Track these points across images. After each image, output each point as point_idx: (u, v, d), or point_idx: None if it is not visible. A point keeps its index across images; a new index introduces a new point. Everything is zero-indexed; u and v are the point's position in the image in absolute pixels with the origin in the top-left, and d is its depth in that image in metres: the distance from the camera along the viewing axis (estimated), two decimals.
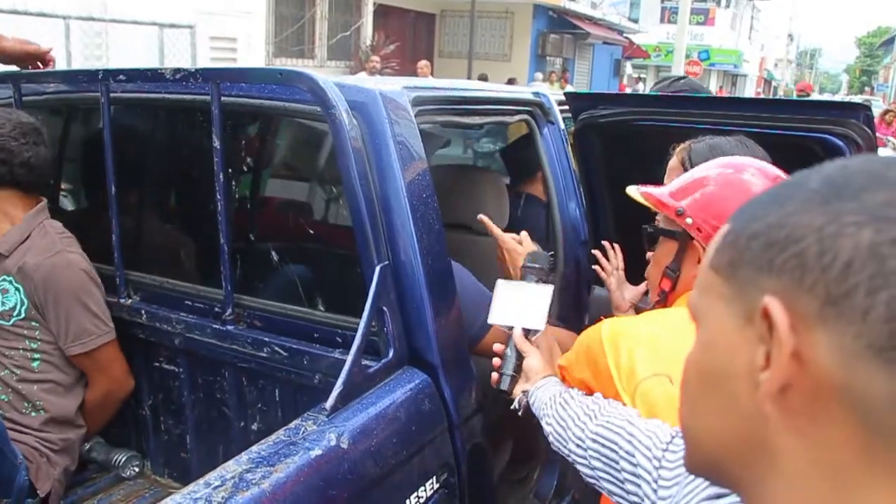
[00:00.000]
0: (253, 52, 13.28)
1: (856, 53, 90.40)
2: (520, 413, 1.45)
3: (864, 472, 0.47)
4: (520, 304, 1.53)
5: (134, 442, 2.30)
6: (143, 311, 2.09)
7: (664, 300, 1.41)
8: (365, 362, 1.55)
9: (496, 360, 1.51)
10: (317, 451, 1.32)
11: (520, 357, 1.48)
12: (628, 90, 24.52)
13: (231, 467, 1.26)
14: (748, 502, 0.56)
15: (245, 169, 1.97)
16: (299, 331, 1.85)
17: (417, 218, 1.68)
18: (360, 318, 1.69)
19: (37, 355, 2.03)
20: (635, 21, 26.69)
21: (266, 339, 1.84)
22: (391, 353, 1.62)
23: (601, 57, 26.55)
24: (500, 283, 1.58)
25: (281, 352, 1.82)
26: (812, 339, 0.47)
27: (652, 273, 1.45)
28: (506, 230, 2.04)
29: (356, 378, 1.50)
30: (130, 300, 2.12)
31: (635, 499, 1.09)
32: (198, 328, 1.97)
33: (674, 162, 1.79)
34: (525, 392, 1.44)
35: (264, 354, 1.85)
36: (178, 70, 1.81)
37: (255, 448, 1.32)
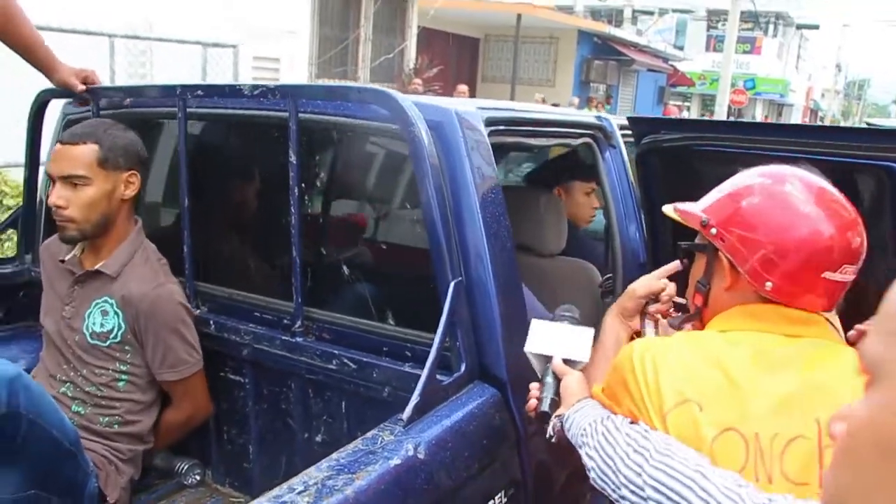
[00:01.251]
0: (295, 72, 13.52)
1: None
2: (553, 440, 1.39)
3: None
4: (559, 338, 1.51)
5: (195, 450, 2.35)
6: (211, 322, 2.15)
7: (698, 317, 1.39)
8: (438, 376, 1.59)
9: (533, 389, 1.48)
10: (395, 461, 1.35)
11: (558, 382, 1.45)
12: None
13: (313, 474, 1.30)
14: None
15: (318, 184, 2.04)
16: (368, 344, 1.90)
17: (491, 235, 1.73)
18: (430, 332, 1.74)
19: (124, 377, 2.10)
20: (681, 48, 26.66)
21: (335, 351, 1.89)
22: (463, 368, 1.66)
23: (645, 84, 26.55)
24: (536, 322, 1.56)
25: (350, 364, 1.87)
26: None
27: (689, 290, 1.44)
28: None
29: (430, 391, 1.54)
30: (198, 311, 2.19)
31: None
32: (266, 339, 2.03)
33: None
34: (559, 416, 1.36)
35: (333, 366, 1.90)
36: (256, 86, 1.89)
37: (334, 456, 1.36)
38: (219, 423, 2.30)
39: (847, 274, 1.22)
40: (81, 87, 2.28)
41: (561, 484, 1.89)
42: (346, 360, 1.88)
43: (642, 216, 2.70)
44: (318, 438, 2.07)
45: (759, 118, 35.14)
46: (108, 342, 2.09)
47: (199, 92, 2.01)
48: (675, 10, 28.54)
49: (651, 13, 26.58)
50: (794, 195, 1.23)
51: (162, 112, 2.28)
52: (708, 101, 31.81)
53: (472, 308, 1.71)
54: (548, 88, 20.52)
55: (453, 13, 18.31)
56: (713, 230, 1.29)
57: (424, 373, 1.51)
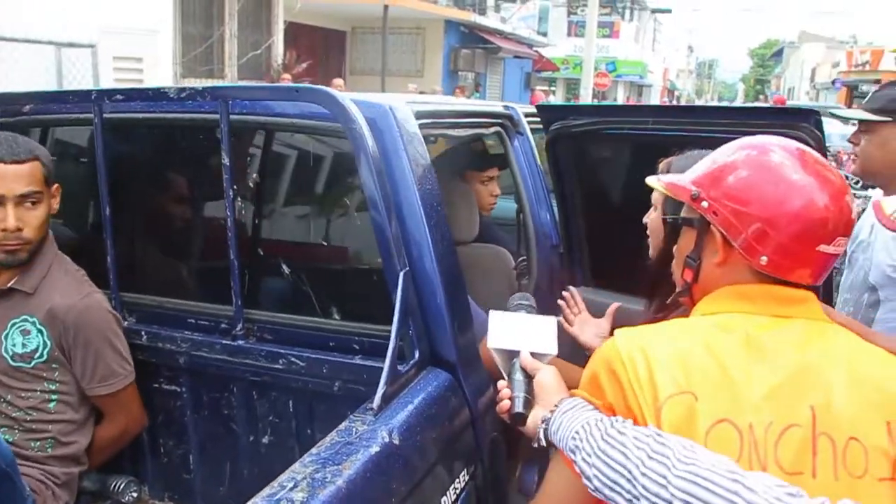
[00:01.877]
0: (160, 72, 13.05)
1: (749, 64, 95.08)
2: (537, 445, 1.28)
3: None
4: (522, 331, 1.46)
5: (129, 467, 2.30)
6: (143, 333, 2.11)
7: (688, 292, 1.32)
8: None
9: (502, 388, 1.39)
10: (375, 448, 1.40)
11: (529, 378, 1.36)
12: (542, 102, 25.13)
13: (298, 469, 1.33)
14: None
15: (251, 185, 2.04)
16: (313, 341, 1.93)
17: (432, 225, 1.79)
18: (376, 324, 1.80)
19: (54, 396, 2.03)
20: (544, 34, 27.41)
21: (282, 350, 1.91)
22: (417, 355, 1.72)
23: (512, 70, 27.15)
24: (495, 313, 1.51)
25: (298, 362, 1.89)
26: None
27: (675, 266, 1.38)
28: None
29: (393, 379, 1.59)
30: (127, 322, 2.14)
31: None
32: (206, 345, 2.02)
33: None
34: (545, 420, 1.25)
35: (280, 366, 1.92)
36: (183, 89, 1.87)
37: (314, 450, 1.40)
38: (154, 436, 2.26)
39: (839, 246, 1.19)
40: None
41: (515, 453, 1.98)
42: (293, 359, 1.90)
43: (553, 200, 2.84)
44: (265, 440, 2.08)
45: (621, 100, 36.67)
46: (32, 362, 2.01)
47: (119, 97, 1.96)
48: None
49: (513, 1, 27.18)
50: (785, 164, 1.20)
51: (70, 118, 2.20)
52: (572, 85, 32.88)
53: (419, 296, 1.77)
54: (417, 79, 20.63)
55: (319, 6, 18.14)
56: (704, 203, 1.24)
57: (387, 362, 1.56)
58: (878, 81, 28.89)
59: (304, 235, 2.13)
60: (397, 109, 1.84)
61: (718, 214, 1.23)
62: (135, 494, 2.26)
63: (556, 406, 1.24)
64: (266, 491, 1.27)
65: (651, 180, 1.44)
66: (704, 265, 1.29)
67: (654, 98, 45.31)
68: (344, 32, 21.40)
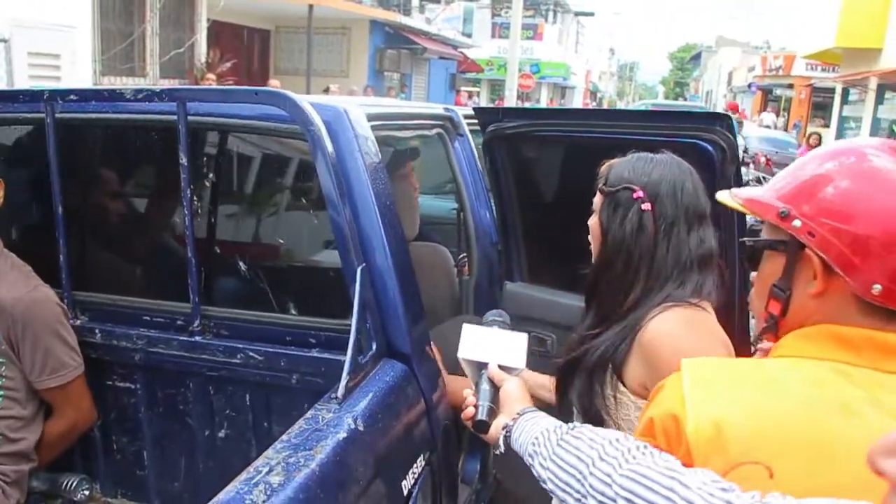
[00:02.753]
0: (78, 69, 12.72)
1: (669, 67, 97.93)
2: (499, 452, 1.32)
3: None
4: (493, 344, 1.48)
5: (80, 465, 2.33)
6: (97, 331, 2.15)
7: (774, 328, 1.12)
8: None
9: (469, 397, 1.42)
10: (342, 434, 1.50)
11: (495, 388, 1.40)
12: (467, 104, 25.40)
13: (271, 455, 1.41)
14: None
15: (207, 184, 2.10)
16: (270, 336, 2.00)
17: (386, 223, 1.89)
18: (332, 318, 1.89)
19: (0, 392, 2.04)
20: (469, 36, 27.70)
21: (239, 345, 1.98)
22: (374, 347, 1.81)
23: (437, 71, 27.33)
24: (468, 326, 1.53)
25: (256, 356, 1.97)
26: None
27: (755, 297, 1.17)
28: None
29: (354, 370, 1.68)
30: (79, 320, 2.17)
31: None
32: (162, 342, 2.07)
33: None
34: (506, 427, 1.27)
35: (237, 360, 1.99)
36: (140, 90, 1.92)
37: (283, 437, 1.48)
38: (106, 433, 2.29)
39: None
40: None
41: (465, 435, 2.09)
42: (251, 353, 1.97)
43: (492, 199, 2.97)
44: (221, 434, 2.14)
45: (544, 101, 37.31)
46: None
47: (73, 97, 2.00)
48: None
49: (438, 1, 27.39)
50: (893, 169, 1.02)
51: (18, 118, 2.22)
52: (497, 87, 33.32)
53: (375, 291, 1.86)
54: (342, 79, 20.60)
55: (243, 5, 17.95)
56: (796, 222, 1.05)
57: (349, 353, 1.65)
58: (791, 86, 30.25)
59: (260, 234, 2.20)
60: (351, 112, 1.93)
61: (815, 235, 1.04)
62: (86, 493, 2.29)
63: (518, 414, 1.26)
64: (243, 476, 1.35)
65: (723, 196, 1.23)
66: (796, 296, 1.09)
67: (577, 99, 46.24)
68: (268, 31, 21.22)
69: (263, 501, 1.25)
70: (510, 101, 20.95)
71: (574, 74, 43.06)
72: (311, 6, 18.38)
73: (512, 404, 1.32)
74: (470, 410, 1.39)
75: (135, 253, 2.32)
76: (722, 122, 2.37)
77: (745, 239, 1.23)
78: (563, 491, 1.07)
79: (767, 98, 32.88)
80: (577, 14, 41.23)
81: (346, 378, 1.63)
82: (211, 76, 15.14)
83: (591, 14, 43.08)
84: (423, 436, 1.85)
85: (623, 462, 0.99)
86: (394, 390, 1.77)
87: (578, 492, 1.03)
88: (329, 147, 1.77)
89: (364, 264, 1.82)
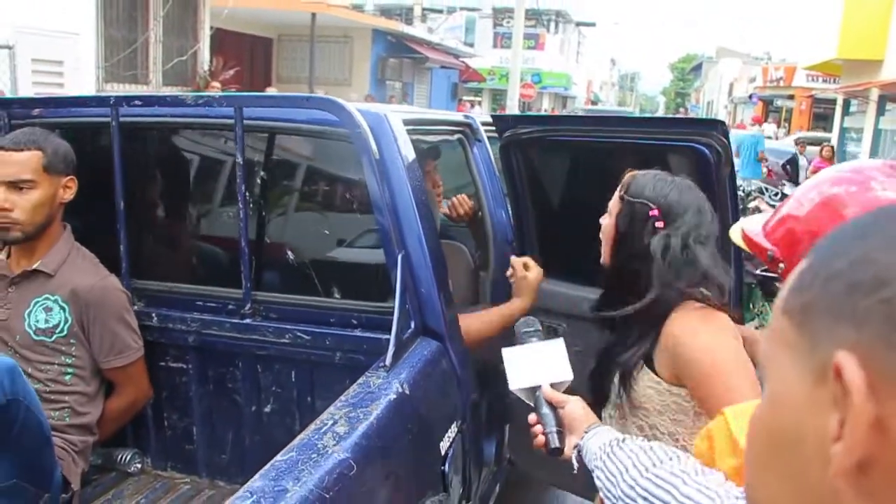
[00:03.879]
0: (82, 76, 12.97)
1: (670, 77, 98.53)
2: (575, 471, 1.40)
3: None
4: (536, 363, 1.52)
5: (132, 440, 2.56)
6: (153, 315, 2.39)
7: None
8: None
9: (535, 426, 1.46)
10: (392, 395, 1.74)
11: (555, 410, 1.45)
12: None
13: (333, 411, 1.65)
14: None
15: (259, 182, 2.35)
16: (315, 318, 2.24)
17: (421, 216, 2.14)
18: (372, 301, 2.14)
19: (70, 370, 2.29)
20: (471, 45, 28.07)
21: (288, 326, 2.22)
22: (412, 325, 2.06)
23: (439, 80, 27.67)
24: (507, 351, 1.58)
25: (303, 336, 2.21)
26: None
27: None
28: None
29: (397, 343, 1.93)
30: (136, 306, 2.42)
31: None
32: (215, 324, 2.32)
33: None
34: (577, 446, 1.37)
35: (286, 340, 2.23)
36: (200, 96, 2.18)
37: (342, 398, 1.71)
38: (158, 411, 2.53)
39: None
40: None
41: (485, 416, 2.33)
42: (298, 333, 2.22)
43: (508, 201, 3.22)
44: (267, 409, 2.38)
45: (546, 110, 37.62)
46: (53, 337, 2.27)
47: (137, 102, 2.25)
48: (462, 8, 30.02)
49: (440, 11, 27.80)
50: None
51: (81, 122, 2.46)
52: (498, 96, 33.67)
53: (412, 277, 2.11)
54: (345, 87, 20.89)
55: (246, 13, 18.24)
56: (781, 265, 1.15)
57: (394, 327, 1.90)
58: (791, 97, 30.61)
59: (309, 226, 2.45)
60: (390, 117, 2.18)
61: None
62: (139, 465, 2.54)
63: (585, 432, 1.36)
64: (311, 427, 1.58)
65: (734, 234, 1.38)
66: None
67: (578, 109, 46.65)
68: (270, 39, 21.50)
69: (333, 445, 1.49)
70: (511, 110, 21.22)
71: (575, 84, 43.50)
72: (314, 14, 18.68)
73: (579, 424, 1.39)
74: (540, 439, 1.43)
75: (189, 244, 2.57)
76: (717, 127, 2.61)
77: (758, 272, 1.33)
78: (606, 498, 1.19)
79: (768, 109, 33.24)
80: (578, 24, 41.73)
81: (392, 348, 1.87)
82: (216, 84, 15.42)
83: (593, 24, 43.62)
84: (456, 405, 2.09)
85: (650, 467, 1.12)
86: (430, 363, 2.01)
87: (614, 496, 1.16)
88: (373, 147, 2.01)
89: (404, 252, 2.06)
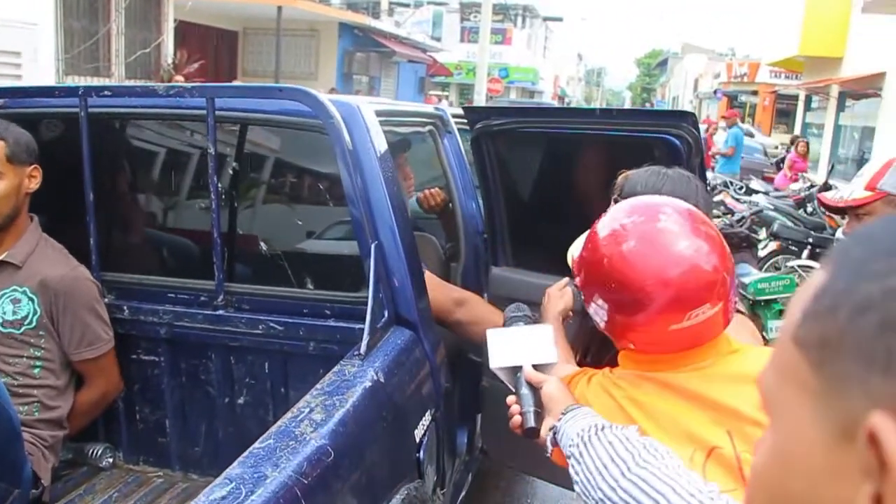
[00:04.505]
0: (41, 68, 12.75)
1: (636, 73, 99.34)
2: (550, 455, 1.36)
3: None
4: (520, 345, 1.50)
5: (103, 435, 2.55)
6: (125, 308, 2.38)
7: None
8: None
9: (512, 405, 1.44)
10: (368, 383, 1.76)
11: (535, 392, 1.42)
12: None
13: (309, 399, 1.66)
14: None
15: (231, 172, 2.35)
16: (288, 309, 2.25)
17: (394, 206, 2.16)
18: (345, 292, 2.16)
19: (39, 363, 2.27)
20: (438, 39, 28.04)
21: (261, 317, 2.23)
22: (386, 314, 2.07)
23: (406, 74, 27.62)
24: (491, 331, 1.56)
25: (277, 327, 2.22)
26: None
27: None
28: None
29: (371, 332, 1.94)
30: (107, 298, 2.40)
31: None
32: (187, 316, 2.32)
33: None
34: (553, 429, 1.32)
35: (259, 331, 2.24)
36: (171, 87, 2.17)
37: (317, 387, 1.73)
38: (130, 404, 2.52)
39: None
40: None
41: (457, 405, 2.36)
42: (272, 324, 2.22)
43: (479, 193, 3.24)
44: (241, 400, 2.39)
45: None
46: (22, 328, 2.25)
47: (107, 92, 2.24)
48: (429, 2, 29.97)
49: (407, 5, 27.73)
50: (671, 230, 1.24)
51: (48, 112, 2.44)
52: (466, 90, 33.67)
53: (385, 267, 2.13)
54: (311, 81, 20.78)
55: (210, 6, 18.06)
56: (589, 308, 1.37)
57: (368, 316, 1.92)
58: (755, 92, 31.05)
59: (281, 217, 2.46)
60: (362, 108, 2.20)
61: (597, 317, 1.37)
62: (110, 460, 2.53)
63: (562, 414, 1.31)
64: (288, 416, 1.59)
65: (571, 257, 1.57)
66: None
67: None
68: (235, 33, 21.32)
69: (311, 431, 1.50)
70: (479, 103, 21.27)
71: (542, 79, 43.67)
72: (279, 7, 18.55)
73: (556, 405, 1.35)
74: (517, 419, 1.40)
75: (160, 236, 2.56)
76: (688, 119, 2.66)
77: None
78: (585, 494, 1.16)
79: (732, 104, 33.64)
80: (545, 19, 41.87)
81: (367, 337, 1.89)
82: (179, 77, 15.22)
83: (560, 19, 43.77)
84: (429, 394, 2.11)
85: (632, 465, 1.09)
86: (404, 352, 2.03)
87: (592, 496, 1.13)
88: (346, 138, 2.03)
89: (377, 241, 2.08)
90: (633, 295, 1.22)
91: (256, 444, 1.44)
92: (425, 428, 2.01)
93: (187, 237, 2.51)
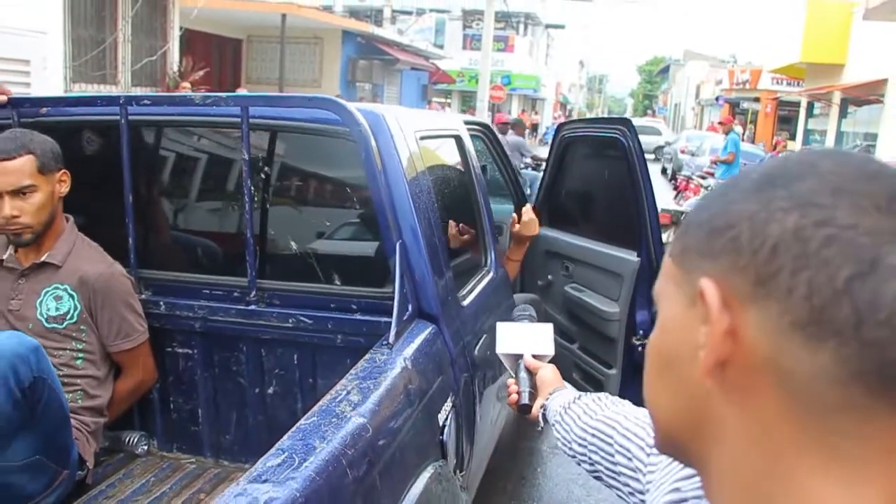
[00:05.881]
0: (49, 75, 12.94)
1: (638, 79, 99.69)
2: (540, 429, 1.58)
3: (795, 443, 0.52)
4: (524, 337, 1.70)
5: (138, 423, 2.71)
6: (161, 303, 2.55)
7: None
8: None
9: (511, 385, 1.61)
10: (398, 369, 1.91)
11: (531, 376, 1.61)
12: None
13: (343, 384, 1.81)
14: (702, 476, 0.62)
15: (263, 176, 2.51)
16: (316, 304, 2.41)
17: (418, 208, 2.31)
18: (371, 287, 2.33)
19: (80, 355, 2.43)
20: (441, 47, 28.28)
21: (292, 311, 2.39)
22: (410, 308, 2.23)
23: (409, 82, 27.87)
24: (500, 323, 1.76)
25: (306, 320, 2.38)
26: (745, 318, 0.52)
27: None
28: None
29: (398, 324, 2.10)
30: (144, 294, 2.57)
31: (631, 489, 1.15)
32: (222, 311, 2.48)
33: None
34: (543, 406, 1.51)
35: (289, 325, 2.40)
36: (207, 96, 2.34)
37: (351, 372, 1.88)
38: (164, 395, 2.68)
39: None
40: (2, 99, 2.54)
41: (475, 394, 2.51)
42: (301, 318, 2.39)
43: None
44: (270, 390, 2.55)
45: (515, 113, 37.95)
46: (64, 323, 2.41)
47: (146, 101, 2.40)
48: (432, 10, 30.25)
49: (409, 13, 28.00)
50: None
51: (88, 120, 2.61)
52: (468, 98, 33.91)
53: (409, 264, 2.28)
54: (315, 89, 21.00)
55: (216, 14, 18.26)
56: None
57: (396, 308, 2.08)
58: (757, 99, 31.25)
59: (311, 218, 2.62)
60: (387, 116, 2.36)
61: None
62: (145, 447, 2.69)
63: (550, 394, 1.52)
64: (327, 397, 1.74)
65: None
66: None
67: (548, 111, 47.14)
68: (240, 40, 21.54)
69: (350, 410, 1.66)
70: (481, 112, 21.48)
71: (544, 86, 43.93)
72: (284, 15, 18.76)
73: (547, 387, 1.56)
74: (514, 397, 1.58)
75: (196, 235, 2.72)
76: (628, 124, 3.20)
77: None
78: (564, 445, 1.37)
79: (734, 111, 33.85)
80: (547, 26, 42.16)
81: (395, 329, 2.05)
82: (186, 85, 15.45)
83: (563, 27, 44.06)
84: (450, 381, 2.27)
85: (598, 411, 1.30)
86: (427, 343, 2.18)
87: (569, 443, 1.34)
88: (372, 143, 2.19)
89: (402, 240, 2.24)
90: None
91: (302, 422, 1.59)
92: (447, 413, 2.16)
93: (220, 237, 2.67)
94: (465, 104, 34.92)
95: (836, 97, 19.73)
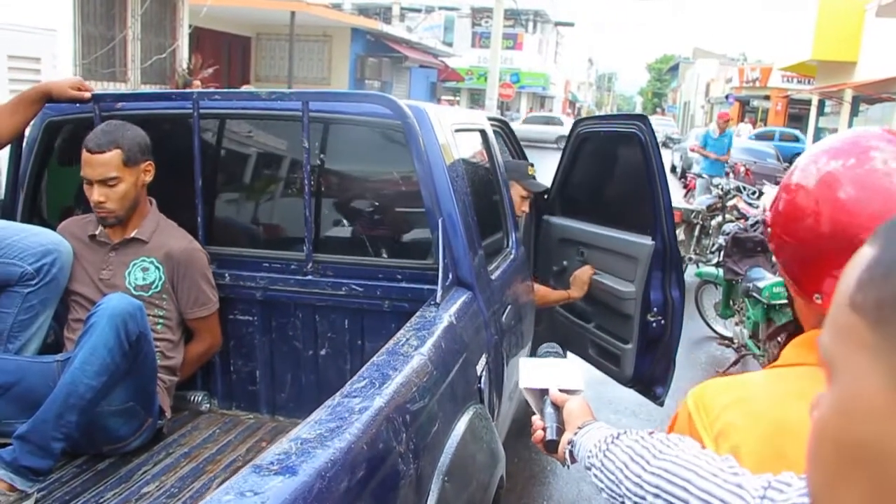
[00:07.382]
0: (59, 73, 13.33)
1: (647, 77, 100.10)
2: (568, 466, 1.44)
3: None
4: (550, 371, 1.61)
5: (200, 384, 3.12)
6: (226, 275, 2.95)
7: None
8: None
9: (536, 422, 1.51)
10: (445, 323, 2.31)
11: (558, 411, 1.50)
12: None
13: (399, 336, 2.20)
14: None
15: (320, 163, 2.92)
16: (367, 274, 2.82)
17: (456, 189, 2.71)
18: (414, 259, 2.73)
19: (161, 320, 2.84)
20: (450, 45, 28.73)
21: (344, 280, 2.79)
22: (450, 276, 2.63)
23: (418, 80, 28.31)
24: (524, 360, 1.69)
25: (357, 289, 2.79)
26: None
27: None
28: None
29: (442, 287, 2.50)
30: (211, 267, 2.97)
31: None
32: (281, 281, 2.88)
33: None
34: (570, 442, 1.37)
35: (342, 293, 2.81)
36: (272, 92, 2.74)
37: (407, 325, 2.28)
38: (225, 358, 3.08)
39: None
40: (87, 95, 2.94)
41: (503, 356, 2.91)
42: (353, 286, 2.79)
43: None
44: (323, 352, 2.95)
45: (524, 110, 38.38)
46: (150, 292, 2.82)
47: (217, 97, 2.81)
48: (441, 8, 30.73)
49: (418, 10, 28.46)
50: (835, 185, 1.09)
51: (159, 113, 3.02)
52: (476, 95, 34.37)
53: (448, 239, 2.68)
54: (323, 86, 21.43)
55: (225, 11, 18.68)
56: (768, 230, 1.23)
57: (440, 275, 2.48)
58: (767, 97, 31.64)
59: (362, 198, 3.03)
60: (429, 111, 2.76)
61: (774, 245, 1.21)
62: (208, 405, 3.09)
63: (578, 429, 1.36)
64: (390, 343, 2.13)
65: None
66: (796, 305, 1.25)
67: (557, 108, 47.60)
68: (249, 38, 21.99)
69: (412, 350, 2.06)
70: (490, 109, 21.88)
71: (553, 84, 44.43)
72: (293, 13, 19.20)
73: (574, 420, 1.41)
74: (539, 434, 1.48)
75: (258, 215, 3.14)
76: (645, 119, 3.62)
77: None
78: (612, 499, 1.18)
79: (745, 109, 34.26)
80: (557, 24, 42.65)
81: (440, 291, 2.45)
82: (197, 83, 15.86)
83: (572, 24, 44.55)
84: (484, 340, 2.67)
85: (651, 459, 1.10)
86: (466, 304, 2.58)
87: (619, 496, 1.14)
88: (420, 135, 2.59)
89: (443, 217, 2.64)
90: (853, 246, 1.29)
91: (375, 358, 1.98)
92: (483, 366, 2.56)
93: (281, 216, 3.08)
94: (475, 102, 35.35)
95: (848, 95, 20.05)
